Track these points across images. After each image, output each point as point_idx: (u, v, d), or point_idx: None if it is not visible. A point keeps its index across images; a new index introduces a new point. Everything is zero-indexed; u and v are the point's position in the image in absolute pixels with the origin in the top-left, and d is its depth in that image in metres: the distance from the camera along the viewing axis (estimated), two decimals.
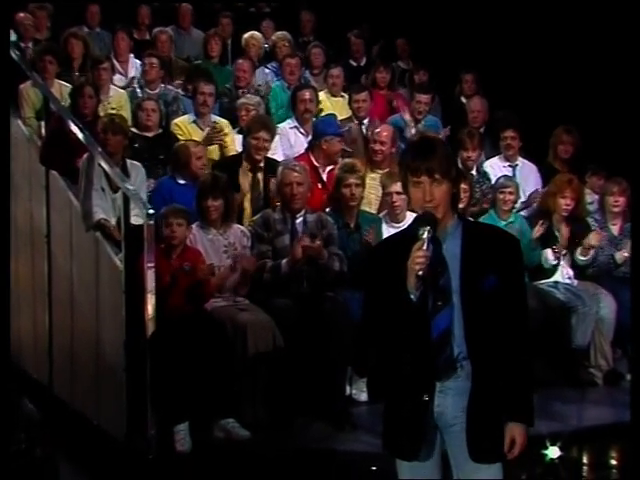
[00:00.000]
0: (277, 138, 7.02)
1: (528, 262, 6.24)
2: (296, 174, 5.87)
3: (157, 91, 7.84)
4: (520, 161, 7.57)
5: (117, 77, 8.03)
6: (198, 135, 7.00)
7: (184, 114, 7.46)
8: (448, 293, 3.06)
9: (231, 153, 7.01)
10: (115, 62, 8.10)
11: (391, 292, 3.04)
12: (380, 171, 6.84)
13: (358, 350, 5.54)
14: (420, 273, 2.97)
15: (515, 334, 3.09)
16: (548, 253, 6.63)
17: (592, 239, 6.62)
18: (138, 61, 8.27)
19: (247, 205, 6.41)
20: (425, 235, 3.01)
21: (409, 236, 3.09)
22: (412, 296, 3.01)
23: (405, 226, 3.51)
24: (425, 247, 2.99)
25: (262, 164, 6.49)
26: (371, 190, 6.70)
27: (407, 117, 7.97)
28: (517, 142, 7.53)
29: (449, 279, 3.07)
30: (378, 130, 7.07)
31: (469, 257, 3.07)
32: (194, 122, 7.17)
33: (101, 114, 6.79)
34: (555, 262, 6.62)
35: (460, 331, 3.06)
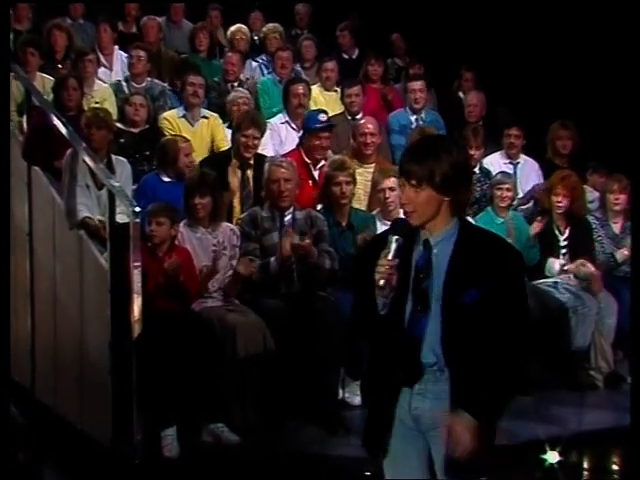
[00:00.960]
0: (267, 134, 6.95)
1: (526, 260, 6.15)
2: (283, 170, 5.82)
3: (144, 85, 7.78)
4: (522, 159, 7.53)
5: (102, 70, 7.97)
6: (187, 130, 6.96)
7: (171, 109, 7.41)
8: (428, 299, 3.02)
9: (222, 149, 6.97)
10: (100, 55, 8.04)
11: (364, 295, 3.05)
12: (367, 165, 6.80)
13: (348, 351, 5.52)
14: (381, 283, 2.96)
15: (505, 344, 2.99)
16: (555, 264, 6.62)
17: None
18: (124, 53, 8.20)
19: (236, 203, 6.35)
20: (393, 244, 2.99)
21: (386, 239, 3.07)
22: (378, 302, 3.01)
23: None
24: (391, 256, 2.97)
25: (252, 161, 6.44)
26: (359, 186, 6.65)
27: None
28: (521, 141, 7.49)
29: (431, 285, 3.02)
30: (363, 121, 7.02)
31: (457, 265, 3.01)
32: (183, 116, 7.12)
33: (85, 108, 6.73)
34: (559, 273, 6.61)
35: (436, 338, 3.02)
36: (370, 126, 6.92)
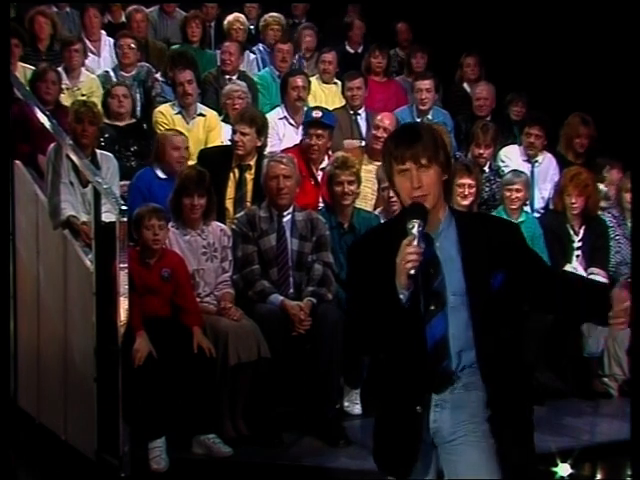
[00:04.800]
0: None
1: None
2: (283, 166, 5.78)
3: (133, 73, 7.76)
4: (541, 157, 7.40)
5: (89, 58, 7.93)
6: (182, 127, 6.92)
7: (160, 94, 7.35)
8: (443, 297, 2.99)
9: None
10: (87, 42, 8.00)
11: (378, 293, 2.94)
12: (377, 163, 6.75)
13: (348, 358, 5.49)
14: (412, 272, 2.87)
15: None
16: None
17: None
18: (111, 39, 8.17)
19: (228, 205, 6.26)
20: (415, 229, 2.90)
21: (395, 228, 3.00)
22: (402, 296, 2.90)
23: None
24: (416, 242, 2.89)
25: (252, 162, 6.33)
26: (367, 184, 6.61)
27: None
28: (542, 141, 7.37)
29: (444, 281, 2.99)
30: (380, 116, 7.01)
31: (470, 253, 3.01)
32: (179, 113, 7.08)
33: (68, 100, 6.69)
34: None
35: (458, 340, 2.99)
36: (386, 121, 6.89)
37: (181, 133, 6.48)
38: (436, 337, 2.98)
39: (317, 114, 6.71)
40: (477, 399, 3.02)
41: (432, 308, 2.98)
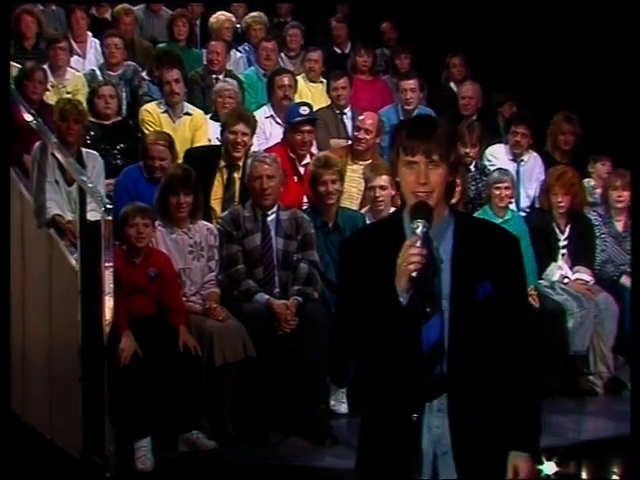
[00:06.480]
0: None
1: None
2: (266, 166, 5.75)
3: (119, 72, 7.72)
4: (526, 156, 7.39)
5: (74, 59, 7.89)
6: (168, 126, 6.91)
7: (147, 94, 7.32)
8: (438, 299, 2.87)
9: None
10: (72, 43, 7.96)
11: (375, 294, 2.83)
12: (362, 162, 6.74)
13: (337, 357, 5.47)
14: (415, 274, 2.76)
15: (515, 350, 2.90)
16: (555, 273, 6.60)
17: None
18: (97, 40, 8.13)
19: (215, 205, 6.21)
20: (420, 229, 2.79)
21: (390, 226, 2.93)
22: (402, 299, 2.80)
23: None
24: (420, 244, 2.77)
25: (241, 162, 6.28)
26: (352, 183, 6.61)
27: None
28: (528, 140, 7.35)
29: (440, 284, 2.87)
30: (362, 117, 7.00)
31: (462, 258, 2.89)
32: (166, 112, 7.04)
33: (53, 98, 6.66)
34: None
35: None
36: (368, 122, 6.87)
37: (168, 135, 6.39)
38: (431, 341, 2.86)
39: (305, 111, 6.71)
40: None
41: (427, 310, 2.86)
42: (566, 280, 6.61)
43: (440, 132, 2.89)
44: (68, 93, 7.00)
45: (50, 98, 6.91)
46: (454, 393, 2.86)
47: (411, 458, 2.87)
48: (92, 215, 5.31)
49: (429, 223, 2.81)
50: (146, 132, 6.79)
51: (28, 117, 5.94)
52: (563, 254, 6.72)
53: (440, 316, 2.86)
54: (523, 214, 7.03)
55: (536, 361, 2.99)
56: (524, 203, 7.30)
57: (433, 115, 7.30)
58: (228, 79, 7.64)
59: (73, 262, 5.34)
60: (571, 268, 6.69)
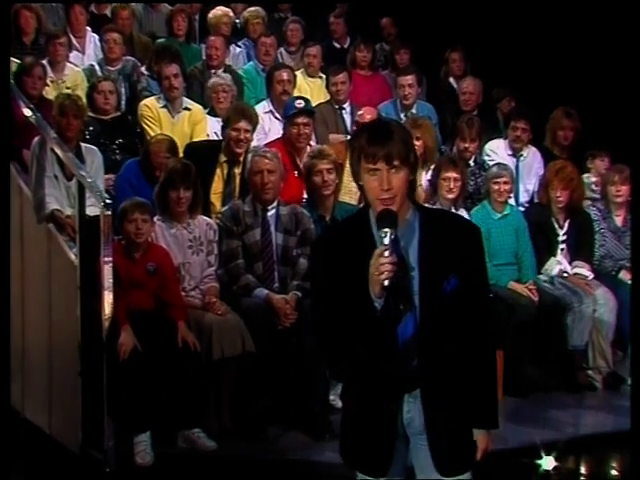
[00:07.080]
0: None
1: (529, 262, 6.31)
2: (267, 161, 5.75)
3: (118, 67, 7.71)
4: (526, 151, 7.38)
5: (73, 54, 7.87)
6: (168, 121, 6.91)
7: (146, 89, 7.29)
8: (411, 296, 2.94)
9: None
10: (72, 38, 7.94)
11: (350, 298, 2.91)
12: None
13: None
14: (386, 283, 2.83)
15: (476, 337, 3.01)
16: (554, 268, 6.59)
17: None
18: (96, 36, 8.12)
19: (215, 200, 6.20)
20: (387, 239, 2.86)
21: (360, 224, 2.98)
22: (376, 304, 2.88)
23: None
24: (388, 253, 2.84)
25: (241, 158, 6.27)
26: (351, 178, 6.56)
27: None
28: (527, 134, 7.34)
29: (411, 281, 2.95)
30: (361, 112, 6.99)
31: (428, 255, 2.95)
32: (165, 107, 7.03)
33: (53, 93, 6.65)
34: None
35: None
36: (368, 117, 6.84)
37: (170, 142, 6.27)
38: (406, 337, 2.95)
39: (300, 104, 6.69)
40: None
41: (401, 307, 2.94)
42: (565, 275, 6.62)
43: (397, 136, 2.94)
44: (67, 88, 6.99)
45: (49, 93, 6.91)
46: (426, 382, 2.99)
47: (387, 440, 3.02)
48: (91, 210, 5.31)
49: (395, 229, 2.89)
50: (148, 134, 6.79)
51: (27, 112, 5.95)
52: (562, 249, 6.72)
53: (413, 313, 2.95)
54: (522, 209, 7.03)
55: (493, 346, 3.13)
56: (523, 198, 7.30)
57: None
58: (221, 73, 7.65)
59: (72, 257, 5.34)
60: (570, 263, 6.70)
